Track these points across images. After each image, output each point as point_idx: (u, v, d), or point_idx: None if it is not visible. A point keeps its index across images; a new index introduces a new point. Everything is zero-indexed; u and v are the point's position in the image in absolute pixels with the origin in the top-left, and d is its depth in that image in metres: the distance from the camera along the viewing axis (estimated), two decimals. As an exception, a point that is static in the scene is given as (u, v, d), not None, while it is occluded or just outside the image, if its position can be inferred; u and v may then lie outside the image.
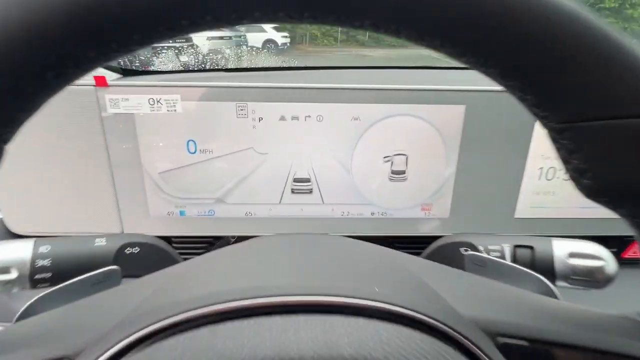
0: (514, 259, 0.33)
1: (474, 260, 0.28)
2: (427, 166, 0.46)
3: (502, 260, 0.27)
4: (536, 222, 0.49)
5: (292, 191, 0.47)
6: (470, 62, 0.16)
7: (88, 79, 0.41)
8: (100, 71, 0.43)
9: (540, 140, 0.45)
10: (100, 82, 0.40)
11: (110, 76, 0.44)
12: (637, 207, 0.19)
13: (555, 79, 0.16)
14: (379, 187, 0.47)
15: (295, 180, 0.46)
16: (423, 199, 0.48)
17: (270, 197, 0.47)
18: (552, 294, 0.24)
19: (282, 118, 0.44)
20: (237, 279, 0.18)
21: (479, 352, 0.16)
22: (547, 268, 0.30)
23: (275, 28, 7.83)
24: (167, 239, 0.50)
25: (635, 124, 0.16)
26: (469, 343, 0.15)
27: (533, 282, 0.25)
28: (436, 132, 0.45)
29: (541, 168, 0.47)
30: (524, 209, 0.48)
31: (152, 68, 0.93)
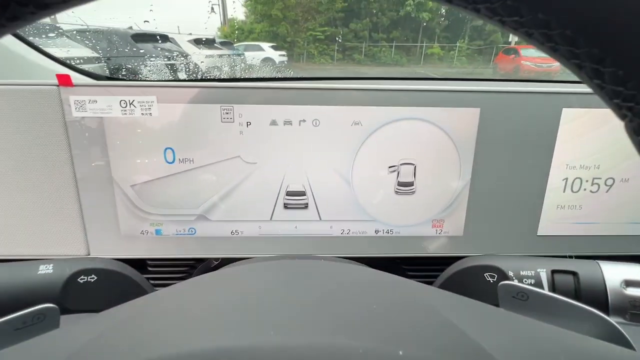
0: (553, 288, 0.27)
1: (511, 291, 0.22)
2: (438, 177, 0.41)
3: (551, 294, 0.21)
4: (561, 241, 0.43)
5: (285, 206, 0.41)
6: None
7: (50, 77, 0.36)
8: (66, 71, 0.38)
9: (565, 147, 0.40)
10: (64, 81, 0.35)
11: (78, 78, 0.39)
12: None
13: None
14: (384, 201, 0.41)
15: (289, 193, 0.41)
16: (433, 214, 0.42)
17: (259, 213, 0.41)
18: (625, 342, 0.18)
19: (274, 123, 0.38)
20: (200, 333, 0.12)
21: None
22: (597, 300, 0.24)
23: (273, 47, 7.99)
24: (141, 262, 0.43)
25: None
26: None
27: (595, 324, 0.19)
28: (448, 138, 0.40)
29: (565, 179, 0.41)
30: (547, 225, 0.43)
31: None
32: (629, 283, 0.24)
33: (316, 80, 0.51)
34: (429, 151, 0.40)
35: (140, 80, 0.44)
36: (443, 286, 0.35)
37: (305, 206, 0.41)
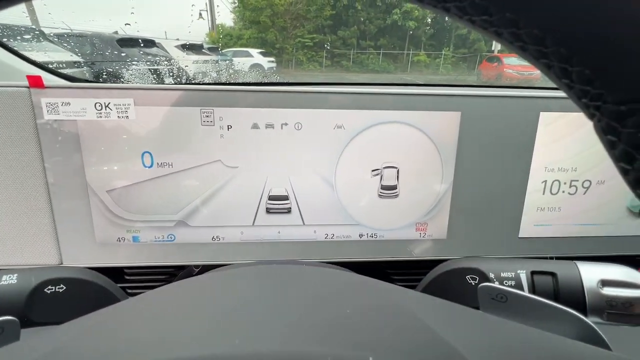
0: (533, 289, 0.27)
1: (491, 293, 0.22)
2: (421, 180, 0.41)
3: (529, 295, 0.21)
4: (542, 242, 0.44)
5: (268, 211, 0.40)
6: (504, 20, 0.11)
7: (21, 79, 0.34)
8: (38, 73, 0.36)
9: (544, 149, 0.41)
10: (35, 82, 0.34)
11: (50, 80, 0.37)
12: None
13: (618, 37, 0.11)
14: (368, 205, 0.41)
15: (271, 197, 0.40)
16: (417, 217, 0.42)
17: (241, 218, 0.40)
18: (600, 342, 0.18)
19: (255, 126, 0.38)
20: (159, 344, 0.12)
21: None
22: (575, 300, 0.24)
23: (261, 53, 8.01)
24: (118, 271, 0.42)
25: None
26: None
27: (572, 324, 0.19)
28: (430, 142, 0.40)
29: (545, 181, 0.42)
30: (528, 227, 0.43)
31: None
32: (605, 283, 0.24)
33: (297, 85, 0.51)
34: (411, 154, 0.40)
35: (117, 83, 0.43)
36: (425, 289, 0.35)
37: (288, 211, 0.40)
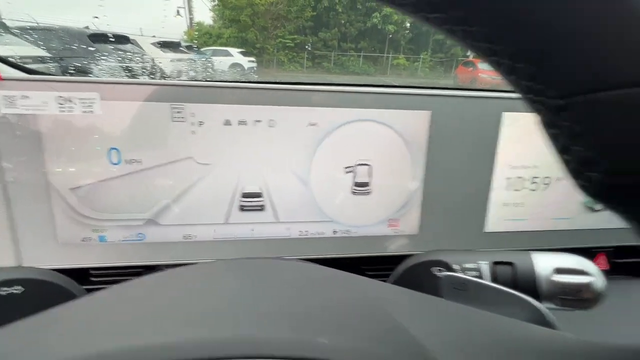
0: (494, 278, 0.28)
1: (452, 282, 0.23)
2: (393, 177, 0.42)
3: (485, 282, 0.22)
4: (506, 236, 0.46)
5: (241, 208, 0.40)
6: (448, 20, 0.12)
7: (-26, 70, 0.32)
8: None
9: (507, 148, 0.43)
10: (-10, 74, 0.32)
11: (7, 72, 0.36)
12: None
13: (552, 36, 0.12)
14: (341, 202, 0.42)
15: (244, 195, 0.40)
16: (389, 213, 0.43)
17: (214, 216, 0.40)
18: (547, 323, 0.19)
19: (227, 122, 0.38)
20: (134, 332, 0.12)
21: None
22: (530, 287, 0.26)
23: (242, 53, 7.91)
24: (84, 272, 0.40)
25: None
26: None
27: (524, 308, 0.20)
28: (401, 140, 0.41)
29: (509, 178, 0.44)
30: (494, 222, 0.45)
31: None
32: (558, 271, 0.26)
33: (271, 83, 0.51)
34: (384, 152, 0.41)
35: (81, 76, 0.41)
36: (395, 283, 0.36)
37: (262, 208, 0.40)
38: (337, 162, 0.41)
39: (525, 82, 0.14)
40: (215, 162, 0.38)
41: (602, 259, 0.51)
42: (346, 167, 0.41)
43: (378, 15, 10.67)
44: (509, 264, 0.28)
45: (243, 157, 0.39)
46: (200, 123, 0.37)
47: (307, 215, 0.42)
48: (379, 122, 0.40)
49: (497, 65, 0.14)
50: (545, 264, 0.26)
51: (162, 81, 0.36)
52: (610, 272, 0.51)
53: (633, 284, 0.51)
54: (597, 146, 0.14)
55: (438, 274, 0.28)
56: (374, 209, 0.43)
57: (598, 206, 0.47)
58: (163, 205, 0.39)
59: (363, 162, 0.41)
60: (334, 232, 0.42)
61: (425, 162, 0.42)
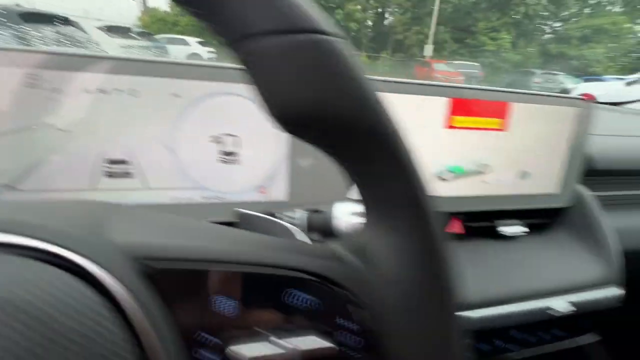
0: (310, 222, 0.33)
1: (244, 220, 0.28)
2: (260, 147, 0.46)
3: (259, 214, 0.27)
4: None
5: (108, 175, 0.42)
6: None
7: None
8: None
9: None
10: None
11: None
12: (325, 135, 0.19)
13: None
14: (209, 170, 0.45)
15: (110, 162, 0.42)
16: (259, 181, 0.47)
17: (79, 181, 0.41)
18: (296, 239, 0.24)
19: (86, 91, 0.39)
20: None
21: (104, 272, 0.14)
22: (328, 227, 0.31)
23: (200, 42, 7.61)
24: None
25: (302, 40, 0.16)
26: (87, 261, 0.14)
27: (284, 231, 0.25)
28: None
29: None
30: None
31: None
32: (352, 215, 0.31)
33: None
34: (250, 124, 0.45)
35: None
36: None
37: (129, 174, 0.42)
38: (204, 132, 0.44)
39: (215, 26, 0.18)
40: (77, 129, 0.40)
41: (457, 223, 0.59)
42: (213, 136, 0.44)
43: (341, 11, 10.78)
44: (319, 211, 0.33)
45: (107, 124, 0.40)
46: (58, 90, 0.38)
47: (176, 182, 0.44)
48: (243, 97, 0.44)
49: (202, 15, 0.18)
50: (342, 209, 0.32)
51: (16, 47, 0.37)
52: (465, 236, 0.60)
53: (482, 244, 0.60)
54: (260, 87, 0.18)
55: (239, 210, 0.32)
56: (243, 176, 0.46)
57: (446, 176, 0.55)
58: (22, 170, 0.39)
59: (229, 133, 0.45)
60: (203, 197, 0.46)
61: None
